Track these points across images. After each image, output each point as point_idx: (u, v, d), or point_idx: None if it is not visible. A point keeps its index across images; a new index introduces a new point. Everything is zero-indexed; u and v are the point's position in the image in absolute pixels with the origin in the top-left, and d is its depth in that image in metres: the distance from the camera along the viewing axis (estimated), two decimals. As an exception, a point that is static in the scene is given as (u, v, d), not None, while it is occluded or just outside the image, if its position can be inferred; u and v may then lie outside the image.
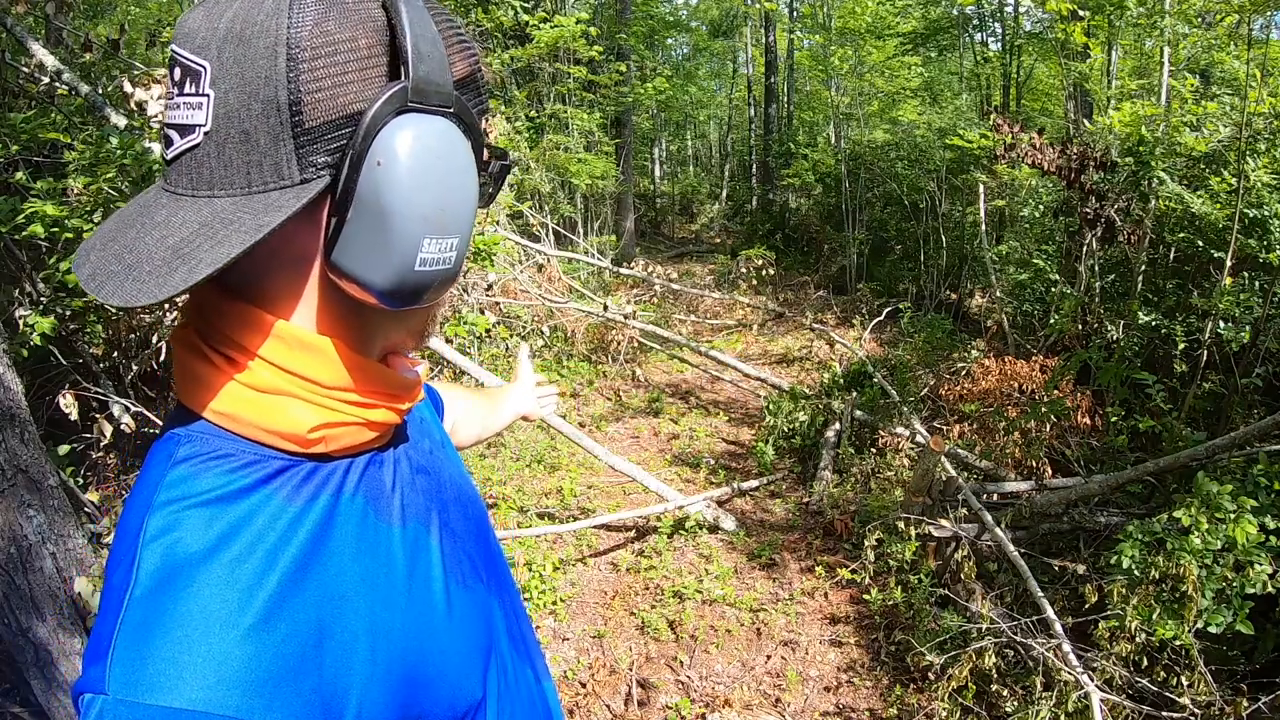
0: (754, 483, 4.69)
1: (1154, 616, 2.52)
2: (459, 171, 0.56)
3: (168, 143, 0.53)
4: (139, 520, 0.51)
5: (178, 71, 0.52)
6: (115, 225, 0.53)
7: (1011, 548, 3.10)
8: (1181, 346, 4.14)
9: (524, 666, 0.76)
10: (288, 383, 0.56)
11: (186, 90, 0.51)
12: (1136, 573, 2.61)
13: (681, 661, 3.14)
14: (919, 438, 4.36)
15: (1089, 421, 4.24)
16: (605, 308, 6.64)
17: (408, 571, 0.60)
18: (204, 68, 0.50)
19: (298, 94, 0.50)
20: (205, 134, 0.51)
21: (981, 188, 7.49)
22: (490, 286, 5.58)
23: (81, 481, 3.22)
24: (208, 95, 0.50)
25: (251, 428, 0.55)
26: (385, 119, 0.51)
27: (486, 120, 0.59)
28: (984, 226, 7.64)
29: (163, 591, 0.48)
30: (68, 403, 2.96)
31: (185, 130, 0.52)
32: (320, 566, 0.54)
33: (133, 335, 3.74)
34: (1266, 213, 4.20)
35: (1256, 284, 4.09)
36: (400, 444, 0.67)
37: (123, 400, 3.33)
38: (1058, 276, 5.78)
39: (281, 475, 0.56)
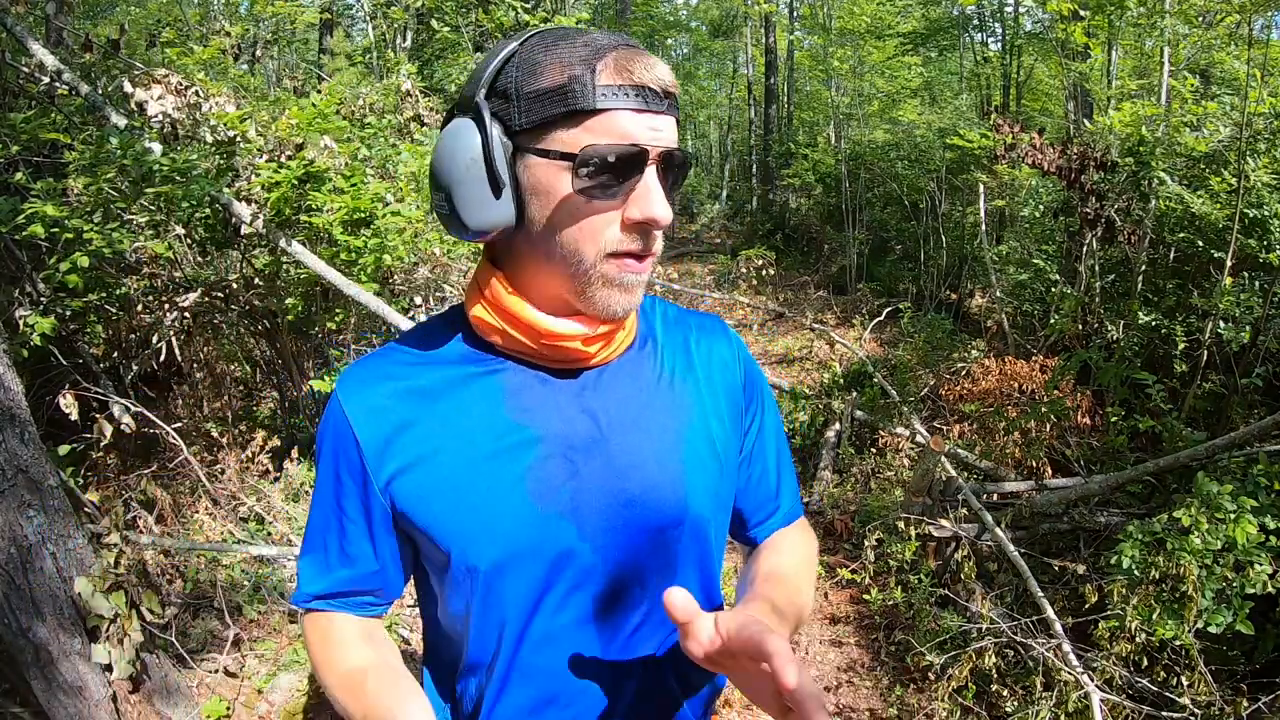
0: (754, 483, 4.68)
1: (1154, 616, 2.52)
2: (445, 150, 0.77)
3: None
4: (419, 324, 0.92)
5: None
6: None
7: (1011, 548, 3.10)
8: (1181, 346, 4.13)
9: (590, 628, 0.85)
10: (477, 283, 0.85)
11: None
12: (1136, 573, 2.60)
13: (681, 661, 3.14)
14: (919, 438, 4.36)
15: (1089, 421, 4.24)
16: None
17: (492, 449, 0.82)
18: None
19: None
20: None
21: (981, 188, 7.48)
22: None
23: (81, 481, 3.22)
24: None
25: (468, 309, 0.86)
26: (442, 128, 0.80)
27: (576, 118, 0.74)
28: (984, 226, 7.63)
29: (379, 352, 0.89)
30: (68, 403, 2.96)
31: None
32: (443, 396, 0.84)
33: (133, 335, 3.74)
34: (1266, 213, 4.19)
35: (1256, 284, 4.09)
36: (596, 388, 0.86)
37: (123, 400, 3.33)
38: (1058, 276, 5.78)
39: (472, 342, 0.87)
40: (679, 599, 0.70)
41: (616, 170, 0.73)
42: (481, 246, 0.96)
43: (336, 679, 0.86)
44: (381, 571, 0.90)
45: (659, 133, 0.75)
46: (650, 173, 0.76)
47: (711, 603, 0.95)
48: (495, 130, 0.75)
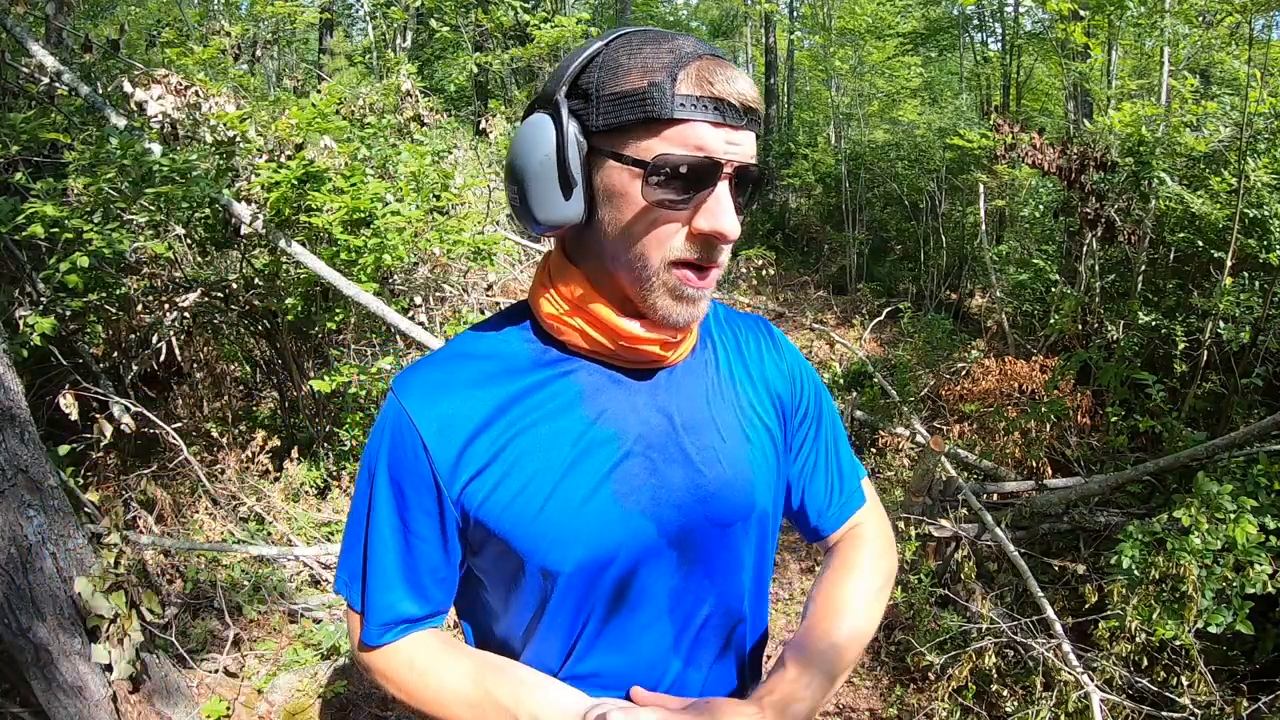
0: (754, 483, 4.68)
1: (1154, 616, 2.52)
2: (520, 145, 0.78)
3: None
4: (480, 322, 0.91)
5: None
6: None
7: (1011, 548, 3.10)
8: (1181, 346, 4.13)
9: (664, 623, 0.86)
10: (548, 281, 0.85)
11: None
12: (1136, 573, 2.60)
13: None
14: (919, 438, 4.36)
15: (1089, 421, 4.23)
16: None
17: (573, 452, 0.82)
18: None
19: None
20: None
21: (981, 188, 7.49)
22: (490, 286, 5.57)
23: (81, 481, 3.22)
24: None
25: (535, 307, 0.87)
26: (522, 121, 0.80)
27: (655, 126, 0.74)
28: (984, 226, 7.63)
29: (439, 357, 0.86)
30: (68, 403, 2.96)
31: None
32: (517, 400, 0.82)
33: (133, 335, 3.74)
34: (1266, 213, 4.19)
35: (1256, 284, 4.09)
36: (666, 388, 0.86)
37: (123, 400, 3.33)
38: (1058, 276, 5.78)
39: (544, 341, 0.85)
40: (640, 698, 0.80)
41: (688, 181, 0.73)
42: (534, 246, 1.02)
43: (452, 697, 0.83)
44: (454, 586, 0.88)
45: (735, 147, 0.75)
46: (722, 186, 0.76)
47: (760, 590, 0.97)
48: (572, 129, 0.76)
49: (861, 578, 0.97)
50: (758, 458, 0.90)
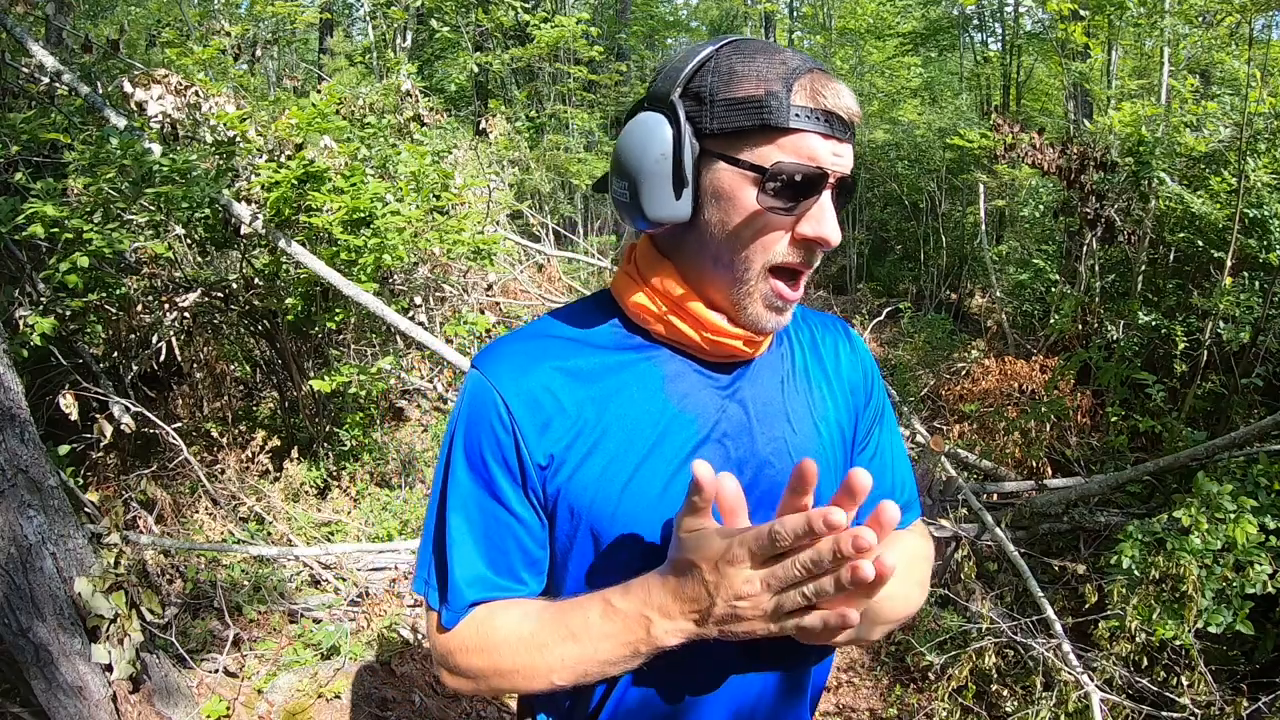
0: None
1: (1154, 616, 2.52)
2: (635, 141, 0.80)
3: None
4: (560, 308, 0.92)
5: None
6: None
7: (1011, 548, 3.10)
8: (1181, 346, 4.13)
9: None
10: (636, 273, 0.88)
11: None
12: (1136, 573, 2.60)
13: (681, 661, 3.14)
14: (919, 438, 4.36)
15: (1089, 421, 4.24)
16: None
17: (655, 433, 0.84)
18: None
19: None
20: None
21: (981, 188, 7.49)
22: (490, 286, 5.58)
23: (81, 481, 3.22)
24: None
25: (619, 296, 0.89)
26: (629, 116, 0.82)
27: (769, 135, 0.77)
28: (984, 226, 7.64)
29: (521, 334, 0.89)
30: (68, 403, 2.96)
31: None
32: (601, 380, 0.85)
33: (133, 335, 3.74)
34: (1266, 213, 4.19)
35: (1256, 284, 4.09)
36: (744, 380, 0.89)
37: (123, 400, 3.33)
38: (1058, 276, 5.78)
39: (627, 328, 0.88)
40: (700, 470, 0.71)
41: (798, 189, 0.77)
42: (617, 239, 1.01)
43: (531, 631, 0.81)
44: (544, 568, 0.87)
45: (839, 159, 0.79)
46: (826, 195, 0.79)
47: None
48: (687, 130, 0.78)
49: (914, 557, 0.97)
50: (827, 452, 0.92)
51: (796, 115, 0.75)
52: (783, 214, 0.78)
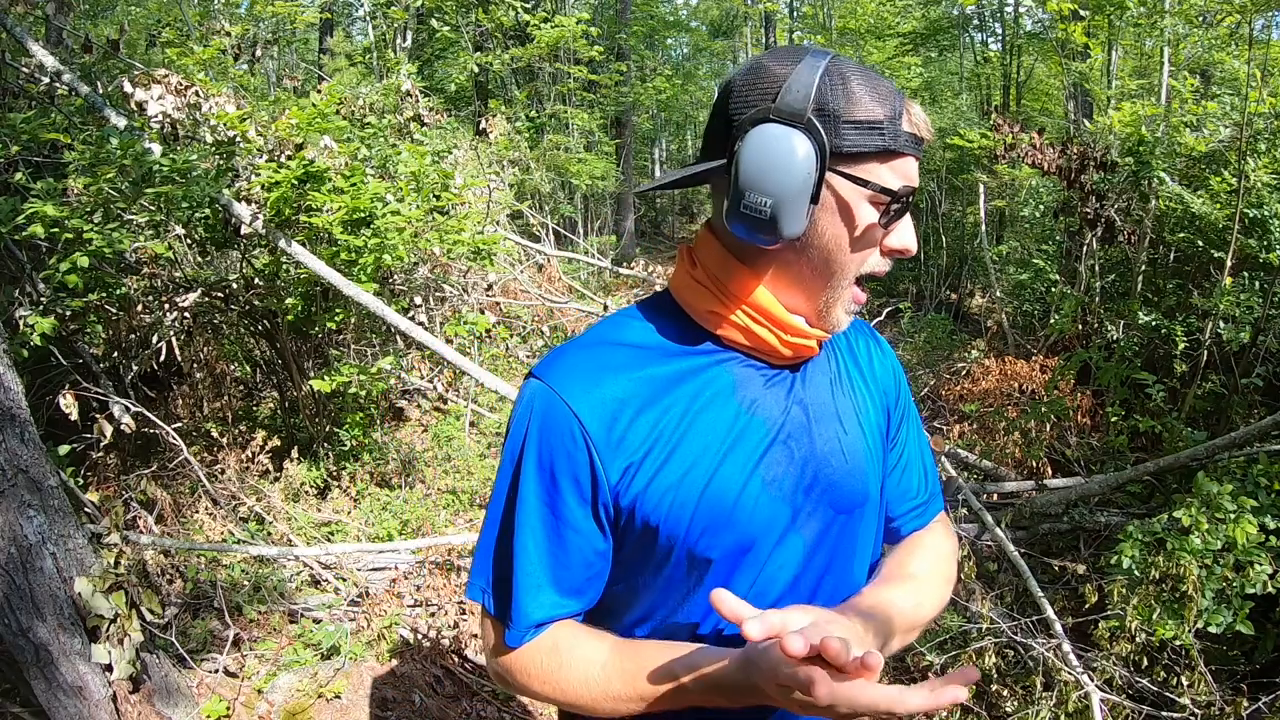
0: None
1: (1154, 616, 2.52)
2: (779, 156, 0.79)
3: None
4: (617, 312, 0.94)
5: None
6: (670, 170, 0.86)
7: (1011, 548, 3.10)
8: (1181, 346, 4.13)
9: (786, 604, 0.87)
10: (708, 279, 0.88)
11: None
12: (1136, 573, 2.60)
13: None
14: (919, 438, 4.35)
15: (1089, 421, 4.24)
16: (605, 308, 6.64)
17: (729, 438, 0.86)
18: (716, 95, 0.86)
19: (730, 108, 0.82)
20: (705, 129, 0.87)
21: (981, 188, 7.49)
22: (490, 286, 5.58)
23: (81, 481, 3.22)
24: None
25: (685, 301, 0.90)
26: (753, 122, 0.80)
27: (884, 157, 0.83)
28: (984, 226, 7.64)
29: (584, 343, 0.89)
30: (68, 403, 2.96)
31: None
32: (675, 388, 0.85)
33: (133, 335, 3.74)
34: (1266, 213, 4.19)
35: (1256, 284, 4.09)
36: (801, 382, 0.92)
37: (123, 400, 3.33)
38: (1058, 276, 5.78)
39: (694, 332, 0.89)
40: (727, 599, 0.74)
41: (900, 207, 0.84)
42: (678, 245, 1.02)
43: (601, 676, 0.83)
44: (604, 581, 0.89)
45: (917, 178, 0.87)
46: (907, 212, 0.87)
47: (867, 576, 1.02)
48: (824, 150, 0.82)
49: (925, 553, 1.03)
50: (870, 450, 0.96)
51: (906, 141, 0.82)
52: (883, 229, 0.84)
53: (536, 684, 0.86)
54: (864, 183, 0.81)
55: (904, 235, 0.86)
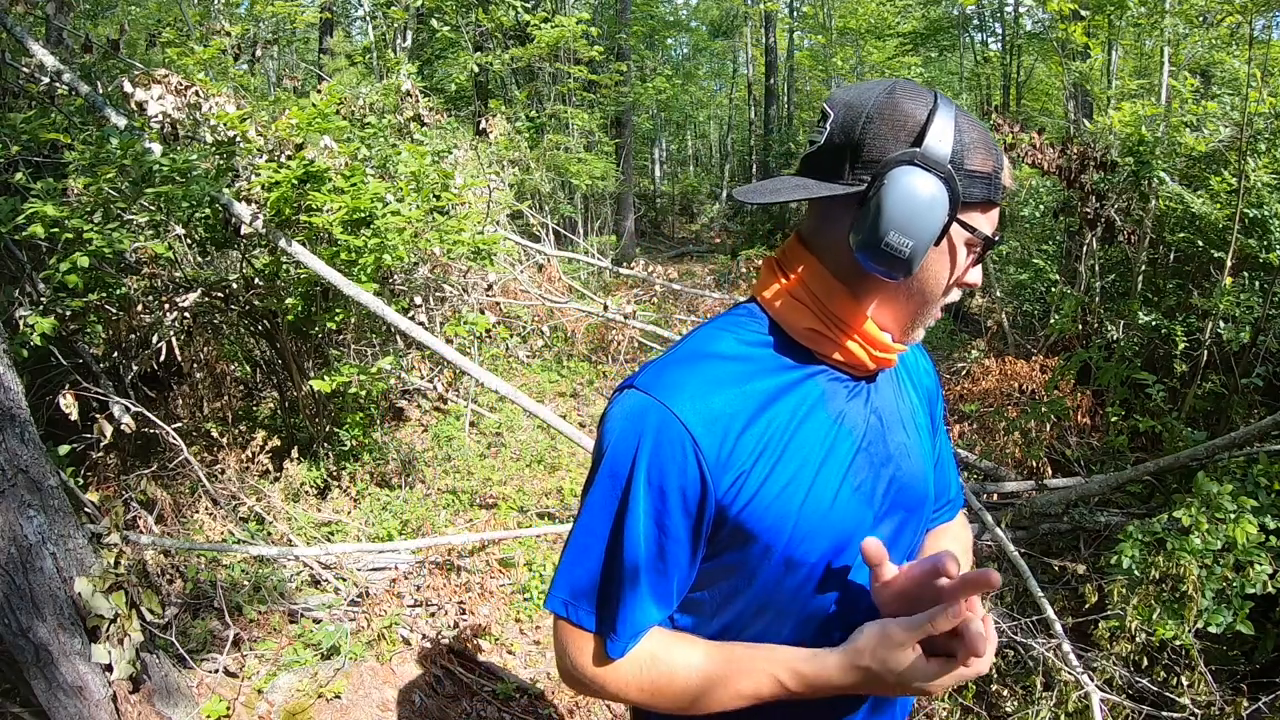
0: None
1: (1154, 616, 2.52)
2: (925, 202, 0.83)
3: (809, 145, 0.91)
4: (706, 325, 0.96)
5: (822, 112, 0.90)
6: (769, 181, 0.93)
7: (1011, 548, 3.10)
8: (1181, 346, 4.13)
9: (864, 600, 0.95)
10: (808, 298, 0.91)
11: (819, 124, 0.89)
12: (1136, 573, 2.60)
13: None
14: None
15: (1089, 421, 4.23)
16: (605, 308, 6.64)
17: (823, 448, 0.91)
18: (830, 114, 0.87)
19: (862, 137, 0.85)
20: (819, 147, 0.88)
21: (981, 188, 7.47)
22: (490, 286, 5.57)
23: (81, 481, 3.22)
24: (826, 129, 0.87)
25: (781, 317, 0.93)
26: (898, 163, 0.83)
27: (985, 207, 0.91)
28: (984, 226, 7.62)
29: (683, 357, 0.91)
30: (68, 403, 2.96)
31: (814, 143, 0.89)
32: (777, 401, 0.89)
33: (133, 335, 3.74)
34: (1266, 213, 4.19)
35: (1256, 284, 4.09)
36: (875, 391, 0.98)
37: (123, 400, 3.33)
38: (1058, 276, 5.78)
39: (788, 346, 0.93)
40: (873, 545, 0.87)
41: (986, 250, 0.92)
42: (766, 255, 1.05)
43: (700, 679, 0.89)
44: (687, 588, 0.93)
45: None
46: None
47: None
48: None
49: (965, 549, 1.12)
50: (926, 453, 1.04)
51: (1001, 193, 0.89)
52: (967, 266, 0.92)
53: (634, 691, 0.90)
54: (971, 229, 0.88)
55: (977, 273, 0.94)
